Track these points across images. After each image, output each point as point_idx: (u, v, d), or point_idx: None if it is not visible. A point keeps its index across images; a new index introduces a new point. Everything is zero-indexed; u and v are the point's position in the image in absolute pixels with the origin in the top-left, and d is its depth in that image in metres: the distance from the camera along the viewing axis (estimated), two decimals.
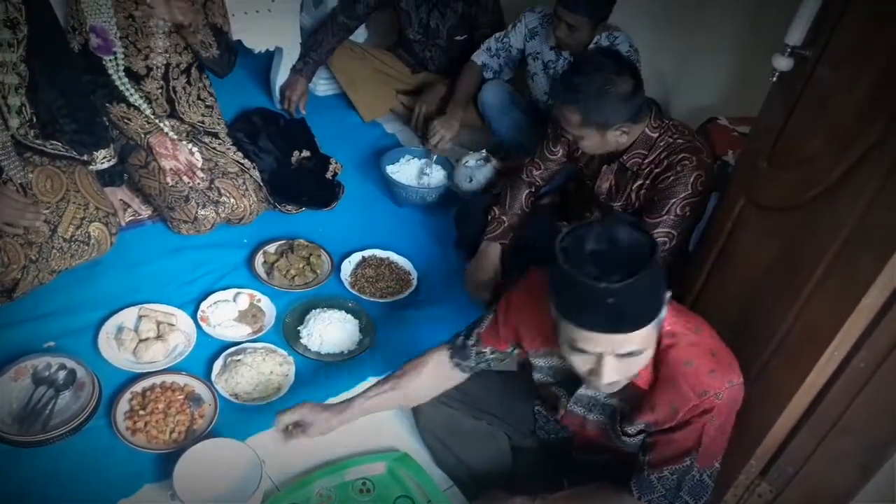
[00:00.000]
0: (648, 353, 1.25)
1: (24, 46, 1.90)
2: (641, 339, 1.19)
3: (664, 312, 1.22)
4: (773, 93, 1.58)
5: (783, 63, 1.46)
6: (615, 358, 1.20)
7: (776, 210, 1.51)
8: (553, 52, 2.56)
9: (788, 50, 1.44)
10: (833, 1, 1.38)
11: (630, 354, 1.20)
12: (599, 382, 1.24)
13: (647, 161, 1.88)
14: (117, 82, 2.17)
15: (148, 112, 2.23)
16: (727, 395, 1.27)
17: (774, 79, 1.51)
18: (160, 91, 2.27)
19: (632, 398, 1.37)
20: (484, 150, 2.57)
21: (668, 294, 1.22)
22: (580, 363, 1.25)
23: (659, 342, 1.28)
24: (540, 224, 2.23)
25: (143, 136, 2.20)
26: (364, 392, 1.59)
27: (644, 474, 1.36)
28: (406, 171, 2.65)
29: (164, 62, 2.23)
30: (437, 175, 2.63)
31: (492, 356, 1.56)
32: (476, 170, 2.51)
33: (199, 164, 2.26)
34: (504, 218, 2.20)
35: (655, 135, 1.87)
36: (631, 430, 1.39)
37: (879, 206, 1.21)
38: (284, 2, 2.72)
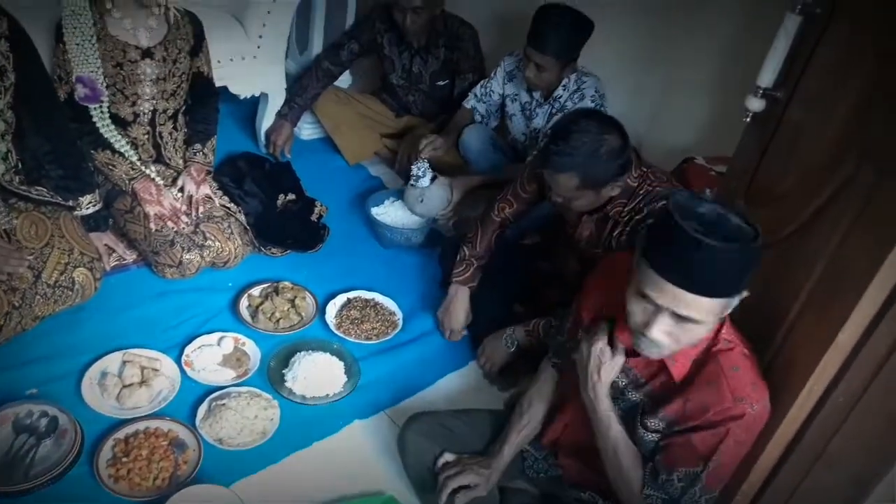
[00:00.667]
0: (701, 331, 1.26)
1: (11, 93, 1.92)
2: (704, 310, 1.21)
3: (736, 301, 1.24)
4: (747, 133, 1.62)
5: (755, 104, 1.50)
6: (671, 317, 1.23)
7: None
8: (528, 94, 2.61)
9: (760, 91, 1.49)
10: (802, 44, 1.43)
11: (686, 320, 1.23)
12: (647, 337, 1.27)
13: (627, 209, 1.89)
14: (102, 129, 2.19)
15: (133, 158, 2.24)
16: (759, 409, 1.30)
17: (748, 119, 1.55)
18: (147, 136, 2.29)
19: (660, 393, 1.39)
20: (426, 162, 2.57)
21: (746, 293, 1.25)
22: (639, 311, 1.28)
23: (714, 342, 1.32)
24: (524, 264, 2.25)
25: (127, 182, 2.21)
26: (505, 437, 1.66)
27: (650, 473, 1.39)
28: (391, 212, 2.67)
29: (151, 108, 2.26)
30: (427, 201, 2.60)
31: None
32: (426, 191, 2.52)
33: (213, 197, 2.32)
34: (473, 260, 2.22)
35: (636, 184, 1.88)
36: (652, 423, 1.40)
37: (852, 243, 1.23)
38: (269, 49, 2.76)
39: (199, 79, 2.36)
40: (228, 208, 2.36)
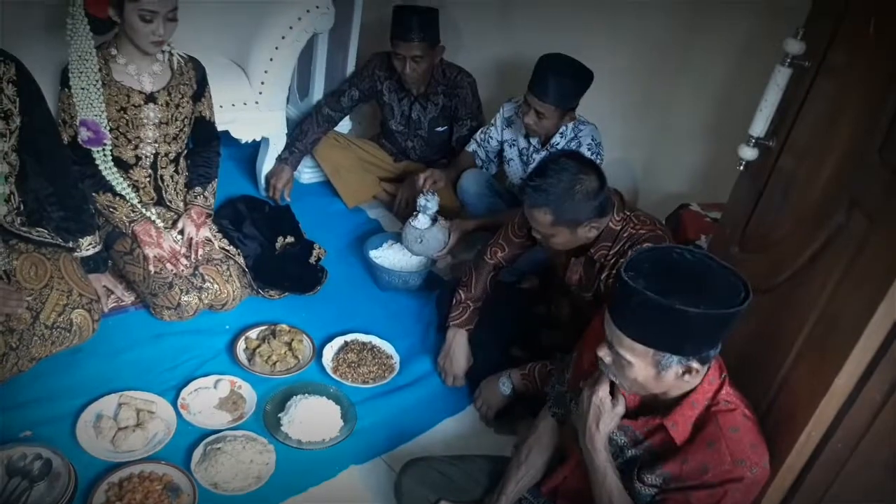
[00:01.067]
0: (635, 373, 1.31)
1: (16, 137, 1.95)
2: (632, 353, 1.29)
3: (675, 361, 1.28)
4: (741, 181, 1.65)
5: (748, 153, 1.53)
6: (614, 351, 1.33)
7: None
8: (526, 140, 2.66)
9: (753, 140, 1.52)
10: (792, 95, 1.47)
11: (620, 358, 1.31)
12: (598, 354, 1.37)
13: (612, 252, 1.91)
14: (105, 172, 2.21)
15: (134, 201, 2.27)
16: (759, 472, 1.30)
17: (741, 167, 1.58)
18: (148, 179, 2.32)
19: (659, 450, 1.39)
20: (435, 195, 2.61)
21: (696, 363, 1.28)
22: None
23: (714, 402, 1.33)
24: (520, 309, 2.26)
25: (127, 224, 2.23)
26: (502, 488, 1.64)
27: None
28: (389, 255, 2.69)
29: (154, 151, 2.29)
30: (419, 259, 2.67)
31: None
32: (426, 231, 2.55)
33: (213, 240, 2.34)
34: (469, 303, 2.23)
35: (618, 227, 1.91)
36: (649, 478, 1.39)
37: (845, 289, 1.25)
38: (271, 95, 2.81)
39: (202, 123, 2.40)
40: (227, 251, 2.37)
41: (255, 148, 3.01)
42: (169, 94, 2.25)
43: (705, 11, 2.47)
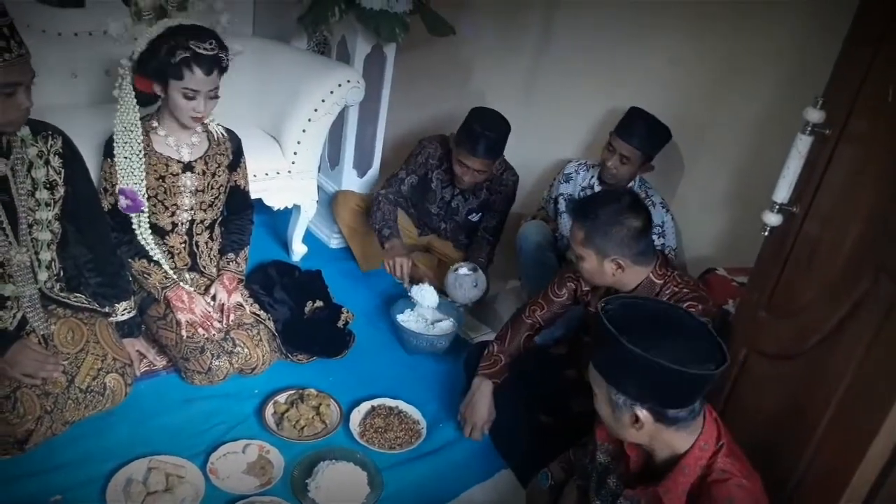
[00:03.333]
0: (599, 406, 1.41)
1: (59, 206, 2.03)
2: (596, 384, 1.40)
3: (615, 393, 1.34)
4: (766, 246, 1.66)
5: (773, 219, 1.55)
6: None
7: (779, 358, 1.55)
8: (583, 194, 2.70)
9: (777, 206, 1.54)
10: (815, 161, 1.48)
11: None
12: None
13: None
14: (141, 238, 2.29)
15: (167, 268, 2.33)
16: None
17: (766, 233, 1.59)
18: (183, 245, 2.39)
19: None
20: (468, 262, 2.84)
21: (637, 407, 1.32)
22: None
23: (709, 471, 1.32)
24: (551, 373, 2.25)
25: (160, 290, 2.29)
26: None
27: None
28: (415, 319, 2.71)
29: (189, 218, 2.37)
30: (446, 323, 2.71)
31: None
32: (465, 278, 2.74)
33: (244, 305, 2.40)
34: (501, 356, 2.23)
35: (661, 282, 1.94)
36: None
37: (876, 354, 1.24)
38: (303, 164, 2.89)
39: (236, 192, 2.48)
40: (258, 315, 2.41)
41: (287, 215, 3.08)
42: (206, 163, 2.33)
43: (726, 81, 2.53)
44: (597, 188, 2.67)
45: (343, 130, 3.19)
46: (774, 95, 2.38)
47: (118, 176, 2.21)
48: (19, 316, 1.97)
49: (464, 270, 2.81)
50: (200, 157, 2.33)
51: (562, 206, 2.82)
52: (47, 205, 1.99)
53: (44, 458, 1.93)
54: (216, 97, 2.21)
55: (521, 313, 2.27)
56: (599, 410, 1.41)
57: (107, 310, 2.17)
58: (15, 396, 1.87)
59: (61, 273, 2.09)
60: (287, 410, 2.23)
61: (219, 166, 2.37)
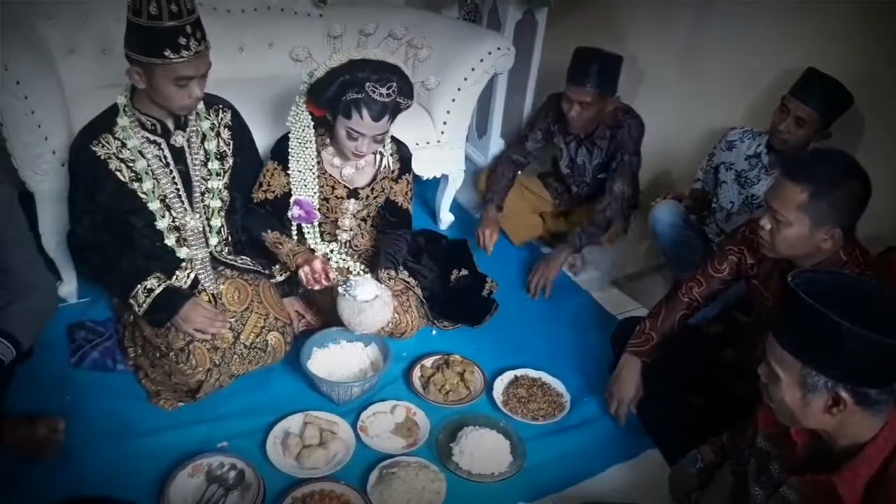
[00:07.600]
0: (784, 394, 1.27)
1: (228, 175, 2.17)
2: (782, 368, 1.26)
3: (821, 383, 1.22)
4: None
5: None
6: (768, 366, 1.31)
7: None
8: (747, 162, 2.54)
9: None
10: None
11: (771, 371, 1.29)
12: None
13: None
14: (311, 243, 2.36)
15: (325, 250, 2.38)
16: None
17: None
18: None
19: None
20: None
21: (847, 388, 1.20)
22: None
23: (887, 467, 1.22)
24: (705, 353, 2.14)
25: (291, 258, 2.26)
26: None
27: None
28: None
29: (348, 238, 2.46)
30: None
31: None
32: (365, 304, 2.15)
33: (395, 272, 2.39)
34: (653, 334, 2.15)
35: (846, 258, 1.75)
36: None
37: None
38: (452, 134, 2.92)
39: (396, 210, 2.47)
40: (407, 282, 2.47)
41: (435, 184, 3.13)
42: (371, 190, 2.38)
43: None
44: (764, 158, 2.49)
45: (491, 100, 3.17)
46: None
47: (293, 187, 2.28)
48: (192, 276, 2.13)
49: (364, 291, 2.14)
50: (367, 185, 2.36)
51: (722, 174, 2.65)
52: (218, 174, 2.13)
53: (212, 407, 2.09)
54: (382, 140, 2.20)
55: (677, 290, 2.17)
56: (781, 395, 1.27)
57: (268, 271, 2.30)
58: (189, 349, 2.03)
59: (229, 238, 2.24)
60: (433, 375, 2.28)
61: (383, 190, 2.41)
